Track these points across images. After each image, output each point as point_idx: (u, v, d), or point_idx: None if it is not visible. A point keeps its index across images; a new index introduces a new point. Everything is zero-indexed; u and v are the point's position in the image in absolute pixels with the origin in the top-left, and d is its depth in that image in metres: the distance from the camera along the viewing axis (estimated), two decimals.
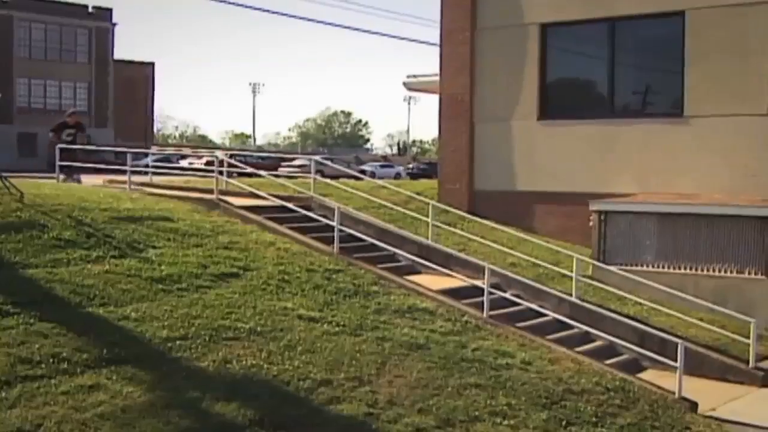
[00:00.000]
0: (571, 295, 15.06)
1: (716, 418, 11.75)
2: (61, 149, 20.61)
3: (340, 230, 15.55)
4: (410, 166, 65.28)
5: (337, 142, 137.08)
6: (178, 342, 9.88)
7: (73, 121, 22.50)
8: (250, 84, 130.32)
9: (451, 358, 11.16)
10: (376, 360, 10.54)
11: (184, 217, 15.27)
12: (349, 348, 10.74)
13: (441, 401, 9.82)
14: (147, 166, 26.44)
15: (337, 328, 11.33)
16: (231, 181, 19.25)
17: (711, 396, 12.53)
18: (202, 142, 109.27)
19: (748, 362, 13.85)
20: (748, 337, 13.98)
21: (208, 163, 31.39)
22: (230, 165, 20.85)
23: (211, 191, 17.60)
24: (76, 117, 23.26)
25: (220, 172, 18.41)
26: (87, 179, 21.18)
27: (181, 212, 15.65)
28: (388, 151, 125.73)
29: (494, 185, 21.36)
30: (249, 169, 21.23)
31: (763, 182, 17.82)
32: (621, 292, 15.44)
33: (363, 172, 44.23)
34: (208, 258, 13.12)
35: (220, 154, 19.84)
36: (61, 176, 20.68)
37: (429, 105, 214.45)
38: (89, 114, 73.62)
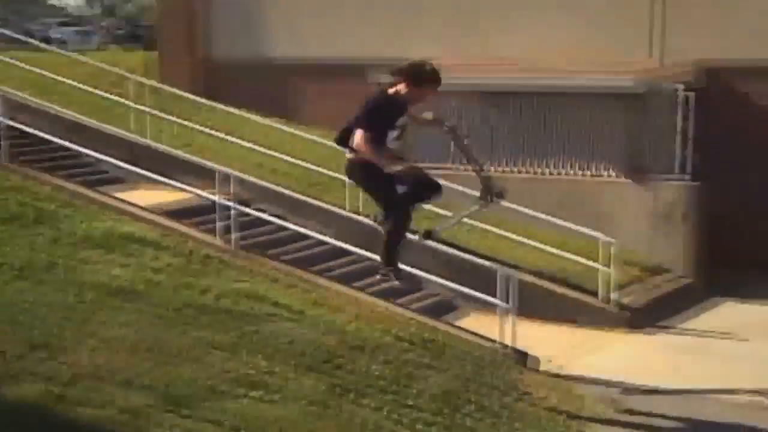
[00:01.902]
0: (347, 208, 15.29)
1: (563, 376, 12.30)
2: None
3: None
4: (112, 28, 64.37)
5: None
6: None
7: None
8: None
9: (185, 309, 11.16)
10: (72, 317, 10.38)
11: None
12: (30, 300, 10.52)
13: (171, 371, 9.75)
14: None
15: (8, 273, 11.09)
16: None
17: (556, 346, 13.06)
18: None
19: (608, 299, 14.47)
20: (608, 265, 14.45)
21: None
22: None
23: None
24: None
25: None
26: None
27: None
28: (86, 11, 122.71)
29: (238, 53, 21.26)
30: None
31: (620, 34, 18.39)
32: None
33: (47, 40, 43.52)
34: None
35: None
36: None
37: None
38: None
